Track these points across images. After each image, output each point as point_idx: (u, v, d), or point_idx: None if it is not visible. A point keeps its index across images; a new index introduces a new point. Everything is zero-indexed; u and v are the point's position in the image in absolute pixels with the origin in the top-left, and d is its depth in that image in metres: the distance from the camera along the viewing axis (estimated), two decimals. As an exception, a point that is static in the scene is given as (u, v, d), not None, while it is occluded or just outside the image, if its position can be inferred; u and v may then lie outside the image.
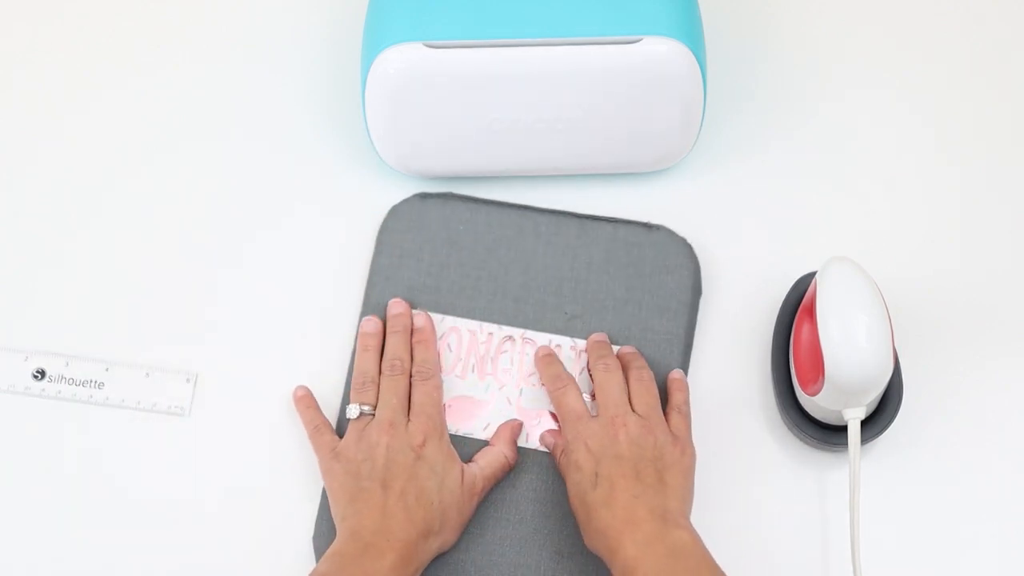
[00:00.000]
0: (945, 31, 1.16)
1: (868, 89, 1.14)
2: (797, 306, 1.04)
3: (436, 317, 1.06)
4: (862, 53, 1.15)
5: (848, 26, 1.16)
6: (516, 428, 1.03)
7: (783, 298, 1.05)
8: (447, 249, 1.08)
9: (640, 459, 0.97)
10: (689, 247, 1.08)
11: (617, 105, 1.03)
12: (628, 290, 1.07)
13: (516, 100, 1.03)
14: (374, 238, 1.09)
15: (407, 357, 1.04)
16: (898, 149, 1.12)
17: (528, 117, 1.04)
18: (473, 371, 1.05)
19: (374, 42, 1.03)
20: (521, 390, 1.05)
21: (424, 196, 1.10)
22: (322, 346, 1.07)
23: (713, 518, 1.00)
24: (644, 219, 1.09)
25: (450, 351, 1.06)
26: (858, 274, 0.97)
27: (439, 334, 1.06)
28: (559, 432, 1.03)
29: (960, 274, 1.08)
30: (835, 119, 1.13)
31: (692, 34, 1.02)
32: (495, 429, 1.04)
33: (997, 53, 1.15)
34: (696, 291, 1.07)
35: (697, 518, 0.98)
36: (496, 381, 1.05)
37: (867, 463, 1.03)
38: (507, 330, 1.06)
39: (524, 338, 1.06)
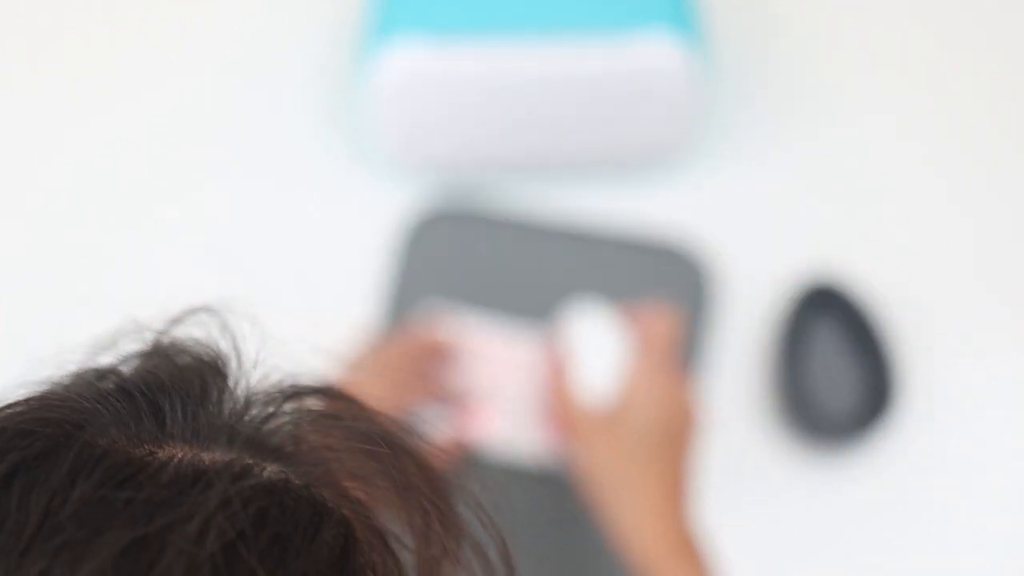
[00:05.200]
0: (952, 29, 1.16)
1: (869, 89, 1.14)
2: (807, 303, 1.04)
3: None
4: (864, 53, 1.15)
5: (850, 26, 1.16)
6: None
7: (787, 297, 1.05)
8: (463, 269, 1.07)
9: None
10: (708, 272, 1.07)
11: (615, 101, 1.04)
12: None
13: (514, 96, 1.03)
14: (380, 242, 1.09)
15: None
16: (900, 149, 1.12)
17: (527, 113, 1.04)
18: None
19: (373, 41, 1.03)
20: (526, 404, 1.03)
21: (441, 216, 1.09)
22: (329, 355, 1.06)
23: (711, 516, 1.01)
24: (664, 241, 1.08)
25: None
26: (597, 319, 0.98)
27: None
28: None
29: (961, 276, 1.08)
30: (836, 119, 1.13)
31: (690, 30, 1.02)
32: (503, 443, 1.03)
33: (1004, 55, 1.15)
34: (713, 319, 1.06)
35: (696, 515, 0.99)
36: (503, 394, 1.03)
37: (866, 463, 1.03)
38: (521, 348, 1.04)
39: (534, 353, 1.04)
